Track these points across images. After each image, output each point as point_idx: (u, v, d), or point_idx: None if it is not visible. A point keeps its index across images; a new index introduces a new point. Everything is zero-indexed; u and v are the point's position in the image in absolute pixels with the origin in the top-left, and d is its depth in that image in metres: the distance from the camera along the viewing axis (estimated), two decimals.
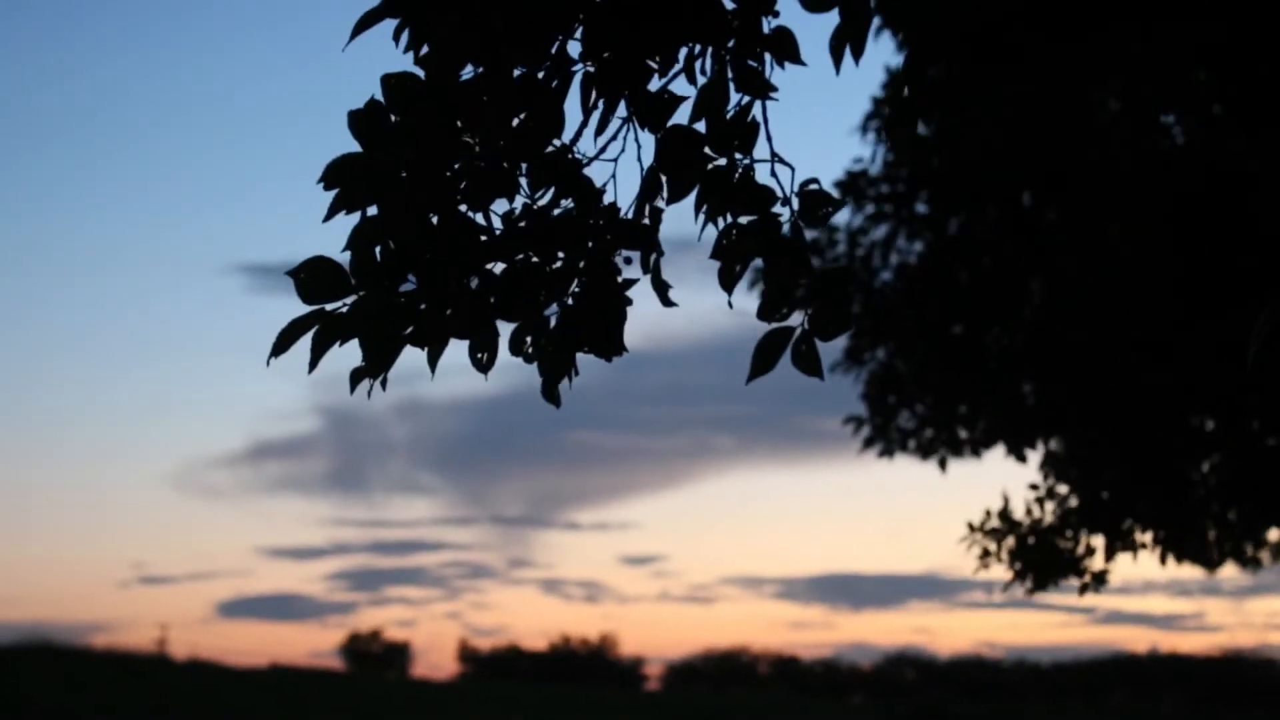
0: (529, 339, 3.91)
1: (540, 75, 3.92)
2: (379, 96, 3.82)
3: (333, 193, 3.78)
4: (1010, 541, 15.19)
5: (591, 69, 3.94)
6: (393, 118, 3.80)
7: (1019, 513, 15.32)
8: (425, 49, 3.89)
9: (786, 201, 3.87)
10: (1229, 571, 15.97)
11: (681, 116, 3.97)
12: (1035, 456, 15.70)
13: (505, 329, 3.92)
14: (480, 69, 3.87)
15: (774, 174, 3.90)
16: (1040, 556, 15.02)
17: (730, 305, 3.93)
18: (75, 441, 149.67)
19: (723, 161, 3.92)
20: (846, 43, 3.96)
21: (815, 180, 3.84)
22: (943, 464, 15.88)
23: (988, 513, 15.35)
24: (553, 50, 3.90)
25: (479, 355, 3.92)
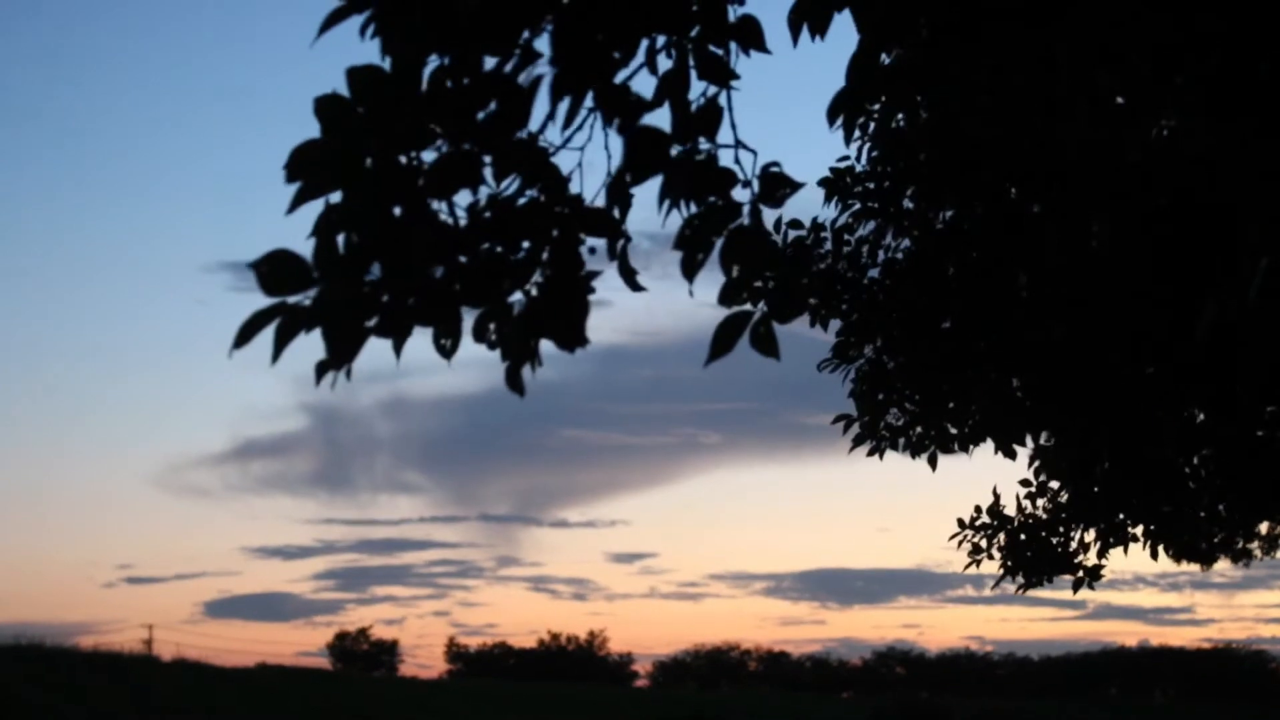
0: (492, 326, 3.90)
1: (507, 69, 3.90)
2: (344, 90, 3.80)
3: (297, 186, 3.76)
4: (1001, 538, 15.18)
5: (557, 69, 3.93)
6: (358, 109, 3.78)
7: (1010, 508, 15.32)
8: (392, 42, 3.88)
9: (748, 184, 3.87)
10: (1219, 564, 15.97)
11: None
12: (1025, 452, 15.70)
13: (469, 317, 3.91)
14: (446, 60, 3.86)
15: (737, 160, 3.90)
16: (1032, 553, 15.01)
17: (691, 294, 3.93)
18: (60, 443, 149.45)
19: (686, 147, 3.92)
20: (805, 19, 3.95)
21: (776, 164, 3.84)
22: (933, 461, 15.85)
23: (978, 509, 15.33)
24: (519, 43, 3.89)
25: (442, 342, 3.90)
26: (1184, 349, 13.32)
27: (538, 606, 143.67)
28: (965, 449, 15.77)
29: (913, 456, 15.82)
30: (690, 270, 3.90)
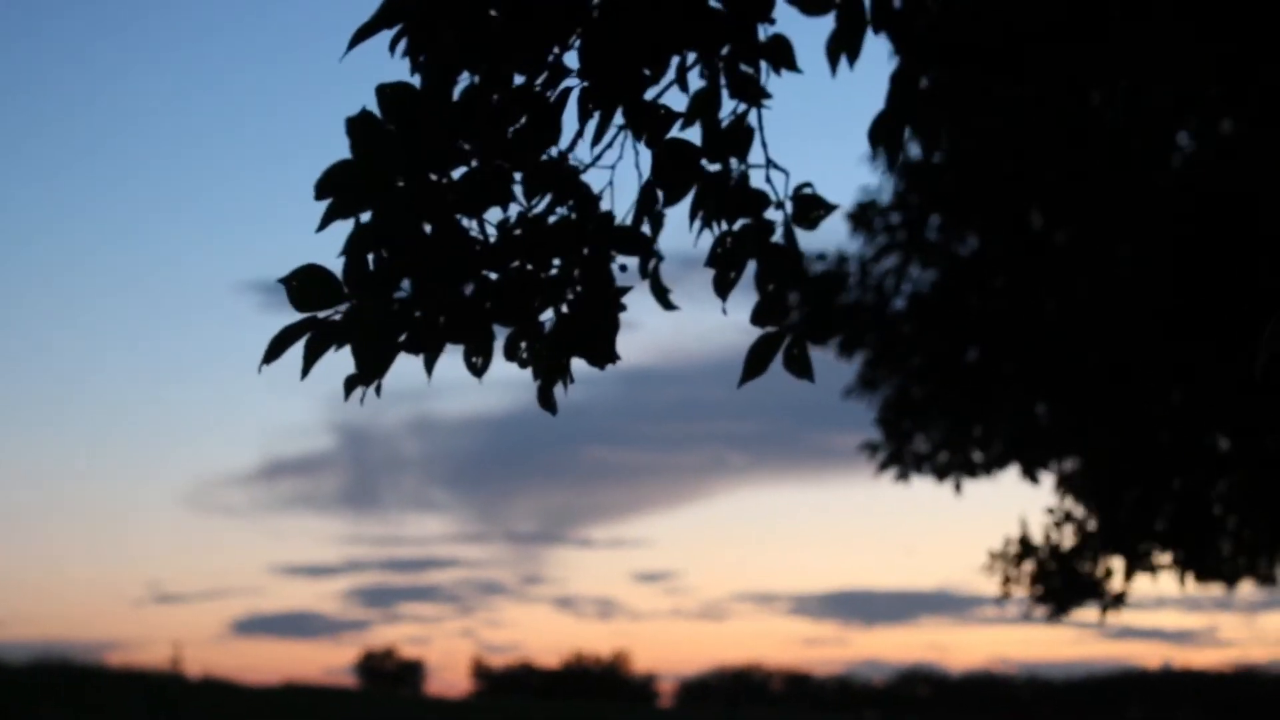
0: (523, 344, 3.92)
1: (537, 85, 3.92)
2: (373, 107, 3.82)
3: (327, 203, 3.79)
4: (1030, 566, 15.20)
5: (586, 84, 3.94)
6: (389, 127, 3.80)
7: (1037, 537, 15.33)
8: (422, 58, 3.90)
9: (780, 206, 3.88)
10: (1243, 586, 15.97)
11: (675, 128, 3.99)
12: (1048, 477, 15.73)
13: (501, 335, 3.93)
14: (476, 78, 3.88)
15: (768, 179, 3.91)
16: (1060, 581, 15.03)
17: (724, 312, 3.95)
18: (89, 460, 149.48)
19: (717, 168, 3.94)
20: (843, 48, 3.97)
21: (809, 184, 3.85)
22: (958, 487, 15.89)
23: (1007, 539, 15.36)
24: (549, 60, 3.90)
25: (474, 360, 3.91)
26: (1210, 374, 13.32)
27: (562, 625, 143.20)
28: (990, 473, 15.81)
29: (938, 481, 15.86)
30: (723, 288, 3.91)
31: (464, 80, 3.90)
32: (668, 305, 3.99)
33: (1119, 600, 15.01)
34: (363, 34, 3.93)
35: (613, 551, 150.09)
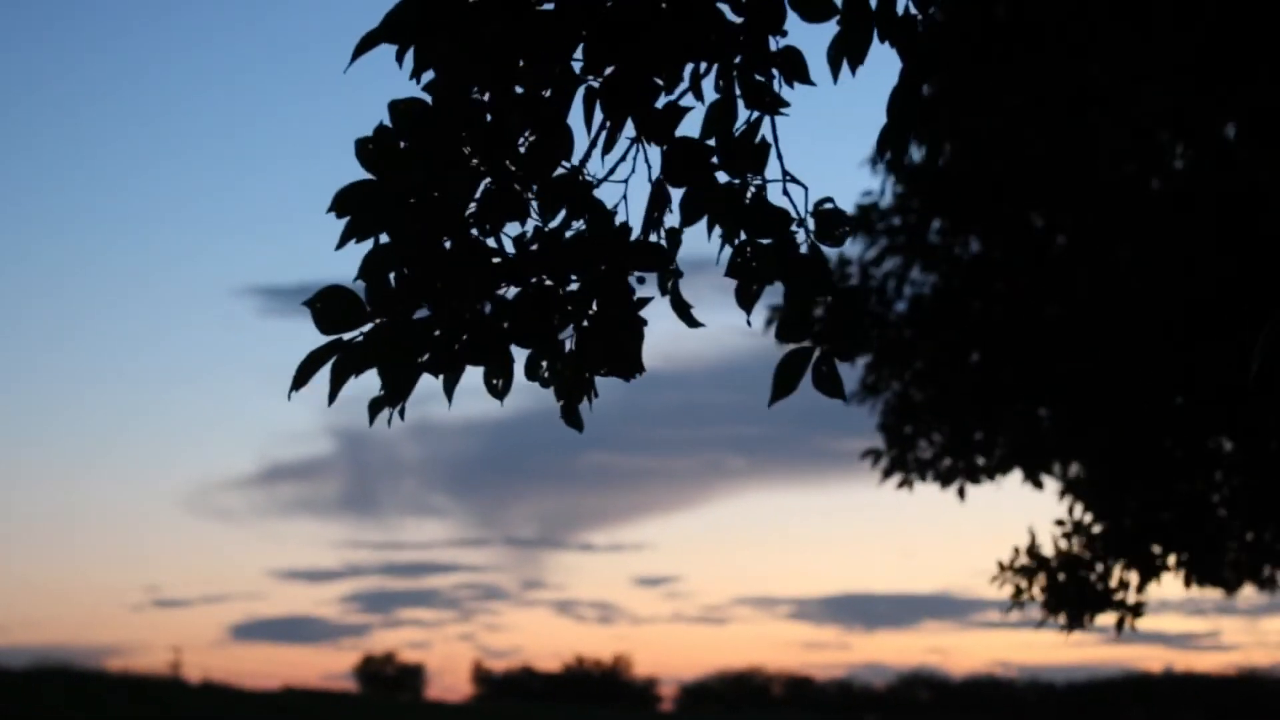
0: (544, 364, 3.87)
1: (546, 96, 3.89)
2: (379, 116, 3.80)
3: (344, 221, 3.75)
4: (1042, 579, 15.13)
5: (596, 84, 3.90)
6: (401, 144, 3.77)
7: (1047, 547, 15.26)
8: (430, 73, 3.87)
9: (801, 222, 3.84)
10: (1245, 590, 15.91)
11: (689, 132, 3.95)
12: (1051, 482, 15.69)
13: (520, 354, 3.88)
14: (486, 92, 3.85)
15: (786, 193, 3.87)
16: (1073, 593, 14.95)
17: (749, 324, 3.89)
18: (88, 465, 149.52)
19: (735, 181, 3.89)
20: (844, 54, 3.93)
21: (830, 199, 3.81)
22: (961, 493, 15.86)
23: (1016, 550, 15.29)
24: (557, 70, 3.87)
25: (494, 381, 3.86)
26: (1212, 377, 13.30)
27: (563, 630, 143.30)
28: (992, 478, 15.77)
29: (942, 487, 15.82)
30: (747, 301, 3.86)
31: (476, 94, 3.88)
32: (692, 323, 3.94)
33: (1138, 610, 14.95)
34: (364, 46, 3.90)
35: (613, 556, 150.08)
